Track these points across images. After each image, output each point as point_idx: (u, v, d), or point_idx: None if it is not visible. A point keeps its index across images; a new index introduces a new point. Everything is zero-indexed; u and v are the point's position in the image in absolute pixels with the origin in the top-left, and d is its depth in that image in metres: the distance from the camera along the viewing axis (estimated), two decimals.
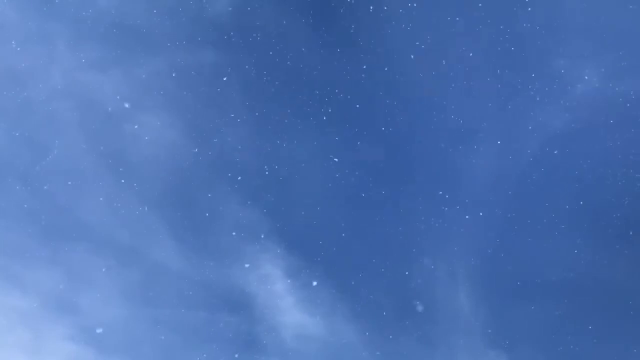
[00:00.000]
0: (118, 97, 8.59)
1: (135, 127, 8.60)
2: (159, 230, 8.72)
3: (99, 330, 8.51)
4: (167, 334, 8.74)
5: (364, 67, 8.59)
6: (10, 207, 8.52)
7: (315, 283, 8.65)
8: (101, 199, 8.63)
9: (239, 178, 8.69)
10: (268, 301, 8.82)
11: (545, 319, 8.38)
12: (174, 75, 8.60)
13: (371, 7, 8.54)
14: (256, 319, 8.81)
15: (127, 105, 8.60)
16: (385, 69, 8.57)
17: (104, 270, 8.69)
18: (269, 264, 8.79)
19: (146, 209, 8.64)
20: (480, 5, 8.42)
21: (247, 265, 8.64)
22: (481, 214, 8.55)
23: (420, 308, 8.65)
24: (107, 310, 8.77)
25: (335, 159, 8.66)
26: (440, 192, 8.65)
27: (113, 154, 8.64)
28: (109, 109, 8.62)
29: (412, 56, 8.53)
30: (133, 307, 8.82)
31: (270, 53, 8.61)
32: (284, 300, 8.82)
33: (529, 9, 8.28)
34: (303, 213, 8.74)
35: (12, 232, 8.51)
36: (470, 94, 8.54)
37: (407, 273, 8.71)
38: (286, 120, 8.68)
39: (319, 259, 8.76)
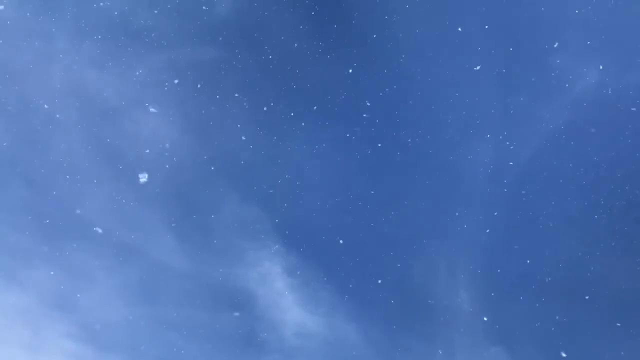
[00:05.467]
0: (118, 96, 8.60)
1: (136, 125, 8.61)
2: (159, 228, 8.73)
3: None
4: (167, 332, 8.74)
5: (365, 67, 8.60)
6: (10, 205, 8.52)
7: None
8: (102, 197, 8.63)
9: (240, 176, 8.70)
10: (268, 299, 8.83)
11: (545, 317, 8.38)
12: (174, 74, 8.61)
13: (372, 7, 8.56)
14: (257, 316, 8.81)
15: (127, 104, 8.61)
16: (386, 69, 8.58)
17: (103, 268, 8.70)
18: (269, 262, 8.79)
19: (146, 207, 8.65)
20: (479, 4, 8.43)
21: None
22: (481, 212, 8.56)
23: (420, 306, 8.65)
24: (106, 308, 8.78)
25: (336, 158, 8.69)
26: (441, 191, 8.66)
27: (113, 152, 8.65)
28: (110, 107, 8.62)
29: (412, 56, 8.55)
30: (133, 305, 8.82)
31: (272, 52, 8.61)
32: (284, 298, 8.82)
33: (529, 7, 8.29)
34: (303, 212, 8.74)
35: (12, 231, 8.52)
36: (470, 93, 8.54)
37: (407, 271, 8.71)
38: (287, 120, 8.69)
39: (319, 257, 8.77)
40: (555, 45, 8.21)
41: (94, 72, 8.57)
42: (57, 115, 8.54)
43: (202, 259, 8.76)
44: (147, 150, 8.61)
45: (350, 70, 8.55)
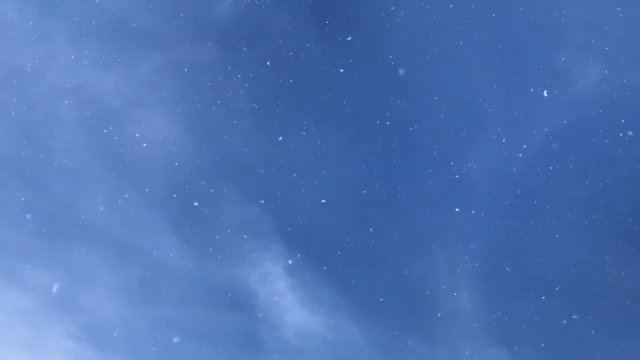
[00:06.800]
0: (119, 96, 8.59)
1: (137, 125, 8.60)
2: (160, 228, 8.72)
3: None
4: (168, 333, 8.73)
5: (366, 66, 8.61)
6: (10, 205, 8.50)
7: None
8: (102, 197, 8.62)
9: (241, 176, 8.70)
10: (269, 299, 8.82)
11: (547, 317, 8.40)
12: (175, 74, 8.61)
13: (373, 7, 8.57)
14: (257, 317, 8.81)
15: (128, 104, 8.60)
16: (387, 68, 8.58)
17: (104, 268, 8.69)
18: (271, 262, 8.79)
19: (147, 207, 8.63)
20: (480, 3, 8.44)
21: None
22: (483, 211, 8.56)
23: (421, 306, 8.66)
24: (107, 309, 8.76)
25: (338, 158, 8.69)
26: (442, 191, 8.67)
27: (114, 152, 8.64)
28: (111, 107, 8.62)
29: (413, 55, 8.56)
30: (133, 305, 8.80)
31: (274, 52, 8.61)
32: (285, 298, 8.82)
33: (530, 4, 8.30)
34: (305, 211, 8.74)
35: (12, 231, 8.50)
36: (472, 92, 8.55)
37: (408, 271, 8.72)
38: (288, 119, 8.69)
39: (320, 257, 8.77)
40: (557, 43, 8.23)
41: (95, 73, 8.56)
42: (58, 116, 8.53)
43: (203, 259, 8.75)
44: (148, 150, 8.60)
45: (353, 71, 8.56)
